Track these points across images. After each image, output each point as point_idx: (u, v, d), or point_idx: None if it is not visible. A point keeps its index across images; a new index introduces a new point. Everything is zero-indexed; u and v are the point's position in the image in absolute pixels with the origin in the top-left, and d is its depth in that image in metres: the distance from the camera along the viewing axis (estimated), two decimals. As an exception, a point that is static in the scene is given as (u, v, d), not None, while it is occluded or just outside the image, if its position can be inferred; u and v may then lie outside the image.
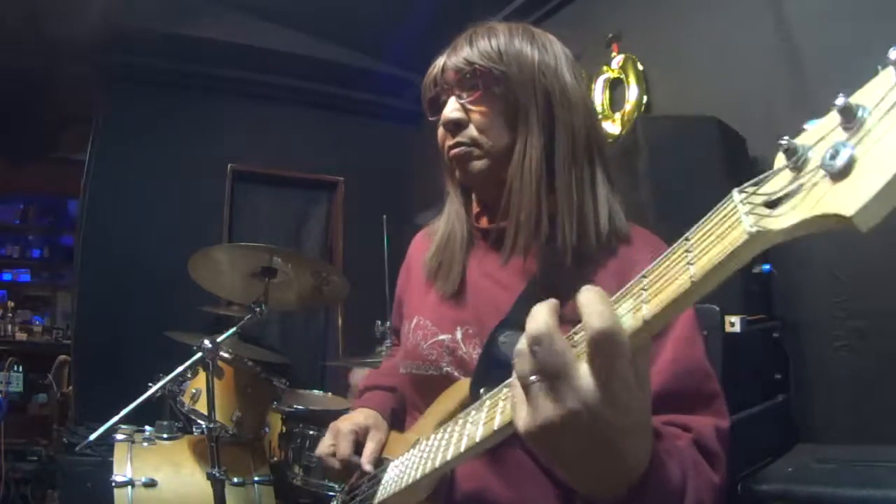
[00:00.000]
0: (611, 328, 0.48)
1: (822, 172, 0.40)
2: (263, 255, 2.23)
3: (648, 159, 1.95)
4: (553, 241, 0.92)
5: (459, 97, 0.97)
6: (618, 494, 0.57)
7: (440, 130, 1.00)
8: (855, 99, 0.40)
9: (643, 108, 2.62)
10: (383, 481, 0.91)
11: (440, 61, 1.00)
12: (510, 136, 0.95)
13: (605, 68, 2.80)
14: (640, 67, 2.65)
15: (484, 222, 1.05)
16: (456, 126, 0.96)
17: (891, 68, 0.38)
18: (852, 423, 1.82)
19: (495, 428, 0.61)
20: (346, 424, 1.05)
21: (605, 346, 0.48)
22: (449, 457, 0.71)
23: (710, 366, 0.88)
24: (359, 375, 3.07)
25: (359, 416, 1.07)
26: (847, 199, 0.37)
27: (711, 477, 0.75)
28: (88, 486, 2.53)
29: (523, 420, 0.52)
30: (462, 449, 0.68)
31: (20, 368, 3.98)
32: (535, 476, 0.88)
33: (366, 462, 0.99)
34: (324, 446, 1.04)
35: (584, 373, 0.50)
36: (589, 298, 0.50)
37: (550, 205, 0.93)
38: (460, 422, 0.72)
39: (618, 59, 2.73)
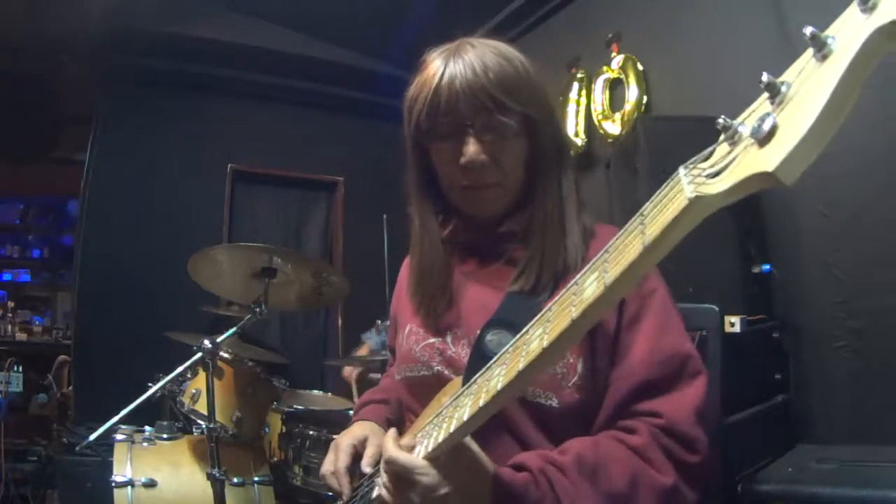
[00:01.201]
0: (393, 458, 0.79)
1: (751, 140, 0.45)
2: (263, 255, 2.24)
3: (648, 159, 1.94)
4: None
5: (480, 134, 0.94)
6: None
7: (452, 166, 0.97)
8: (782, 77, 0.46)
9: (643, 108, 2.62)
10: None
11: (444, 83, 0.93)
12: (526, 169, 0.99)
13: (605, 68, 2.80)
14: (640, 67, 2.65)
15: (468, 234, 1.06)
16: (482, 166, 0.95)
17: (810, 48, 0.44)
18: (852, 423, 1.82)
19: (480, 405, 0.67)
20: (345, 440, 1.08)
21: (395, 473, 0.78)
22: (440, 439, 0.74)
23: (688, 345, 0.91)
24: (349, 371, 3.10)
25: (356, 429, 1.10)
26: (769, 158, 0.42)
27: (657, 482, 0.81)
28: (88, 486, 2.53)
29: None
30: (452, 429, 0.71)
31: (20, 368, 3.97)
32: None
33: (365, 465, 1.02)
34: (326, 464, 1.06)
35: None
36: (388, 437, 0.84)
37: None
38: (450, 409, 0.76)
39: (618, 59, 2.73)
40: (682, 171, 0.51)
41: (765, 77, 0.46)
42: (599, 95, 2.83)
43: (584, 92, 2.92)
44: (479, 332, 0.94)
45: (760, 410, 1.71)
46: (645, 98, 2.62)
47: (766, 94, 0.47)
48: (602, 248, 0.96)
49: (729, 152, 0.48)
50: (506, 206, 1.01)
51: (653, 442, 0.83)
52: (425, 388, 1.01)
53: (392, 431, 0.86)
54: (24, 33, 3.46)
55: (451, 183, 1.00)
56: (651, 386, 0.86)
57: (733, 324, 1.62)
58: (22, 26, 3.41)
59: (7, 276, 5.84)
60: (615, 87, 2.79)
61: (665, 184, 0.52)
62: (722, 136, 0.49)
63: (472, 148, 0.94)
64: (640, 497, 0.79)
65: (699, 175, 0.49)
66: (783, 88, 0.45)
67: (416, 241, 1.07)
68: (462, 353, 0.98)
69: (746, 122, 0.47)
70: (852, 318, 1.84)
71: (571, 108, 2.94)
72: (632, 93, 2.64)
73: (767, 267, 1.89)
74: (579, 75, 2.94)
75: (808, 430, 1.88)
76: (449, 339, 1.00)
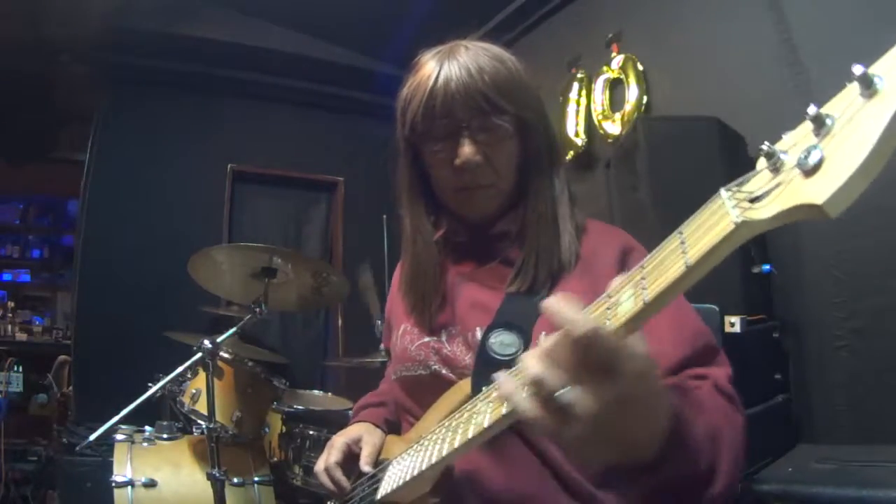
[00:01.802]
0: (598, 333, 0.52)
1: (797, 170, 0.46)
2: (263, 255, 2.24)
3: (648, 159, 1.95)
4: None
5: (474, 135, 0.95)
6: (642, 459, 0.61)
7: (447, 167, 0.97)
8: (825, 109, 0.47)
9: (643, 108, 2.62)
10: (385, 478, 0.93)
11: (439, 85, 0.94)
12: (519, 170, 1.00)
13: (605, 68, 2.80)
14: (640, 67, 2.65)
15: (461, 233, 1.07)
16: (476, 167, 0.96)
17: (855, 83, 0.44)
18: (852, 423, 1.82)
19: (504, 412, 0.64)
20: (339, 439, 1.08)
21: (593, 346, 0.52)
22: (457, 444, 0.72)
23: (703, 324, 0.93)
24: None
25: (352, 429, 1.11)
26: (818, 190, 0.44)
27: (738, 418, 0.80)
28: (88, 486, 2.53)
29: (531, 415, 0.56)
30: (470, 435, 0.70)
31: (20, 368, 3.98)
32: (530, 457, 0.90)
33: (364, 464, 1.01)
34: (319, 462, 1.06)
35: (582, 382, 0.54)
36: (562, 308, 0.54)
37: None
38: (465, 413, 0.74)
39: (618, 59, 2.73)
40: (724, 193, 0.51)
41: (811, 109, 0.46)
42: (599, 95, 2.83)
43: (584, 92, 2.92)
44: (480, 335, 0.94)
45: (760, 410, 1.71)
46: (645, 98, 2.62)
47: (809, 125, 0.47)
48: (595, 244, 0.99)
49: (772, 179, 0.49)
50: (499, 206, 1.02)
51: (716, 391, 0.82)
52: (421, 388, 1.01)
53: (568, 303, 0.55)
54: (24, 33, 3.46)
55: (444, 184, 1.01)
56: (687, 360, 0.86)
57: (733, 324, 1.62)
58: (22, 26, 3.41)
59: (7, 276, 5.84)
60: (615, 87, 2.79)
61: (706, 204, 0.53)
62: (763, 162, 0.50)
63: (466, 149, 0.94)
64: (725, 428, 0.75)
65: (743, 199, 0.50)
66: (828, 121, 0.46)
67: (408, 241, 1.08)
68: (458, 351, 0.98)
69: (790, 152, 0.48)
70: (852, 318, 1.84)
71: (571, 108, 2.94)
72: (632, 93, 2.64)
73: (767, 267, 1.89)
74: (579, 75, 2.94)
75: (809, 430, 1.88)
76: (444, 337, 1.01)
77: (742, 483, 1.33)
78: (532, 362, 0.56)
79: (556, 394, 0.54)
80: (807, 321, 1.96)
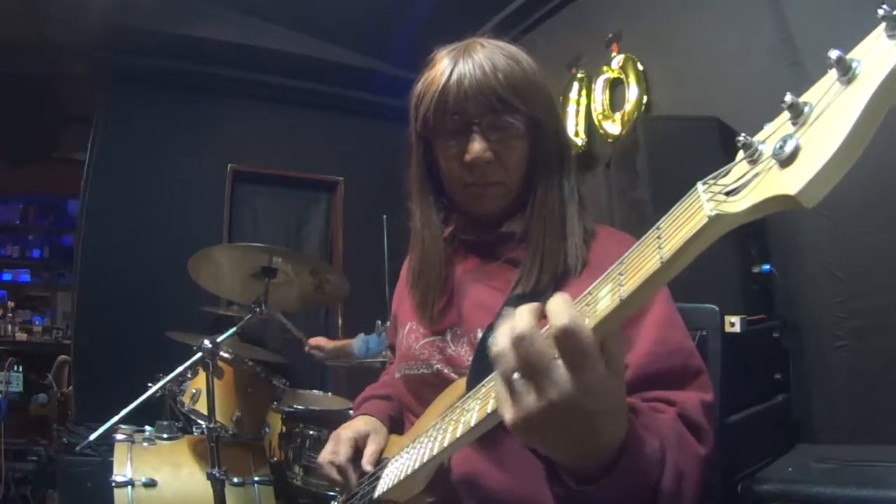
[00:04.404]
0: (571, 325, 0.53)
1: (773, 161, 0.45)
2: (263, 255, 2.23)
3: (648, 159, 1.95)
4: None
5: (486, 132, 0.95)
6: (597, 466, 0.62)
7: (457, 163, 0.98)
8: (803, 97, 0.46)
9: (643, 108, 2.62)
10: (383, 477, 0.93)
11: (452, 82, 0.95)
12: (528, 170, 1.00)
13: (605, 68, 2.80)
14: (640, 67, 2.65)
15: (468, 232, 1.07)
16: (486, 164, 0.96)
17: (833, 70, 0.43)
18: (852, 423, 1.82)
19: (489, 411, 0.65)
20: (346, 432, 1.07)
21: (569, 341, 0.53)
22: (446, 443, 0.73)
23: (691, 343, 0.91)
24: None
25: (359, 423, 1.10)
26: (792, 181, 0.42)
27: (697, 450, 0.78)
28: (88, 486, 2.53)
29: (509, 414, 0.57)
30: (458, 434, 0.70)
31: (20, 368, 3.97)
32: (528, 459, 0.89)
33: (366, 463, 1.01)
34: (325, 453, 1.06)
35: (559, 367, 0.54)
36: (554, 302, 0.55)
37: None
38: (456, 412, 0.74)
39: (618, 59, 2.73)
40: (700, 186, 0.50)
41: (788, 97, 0.45)
42: (599, 95, 2.83)
43: (584, 92, 2.92)
44: (480, 334, 0.94)
45: (760, 410, 1.71)
46: (645, 98, 2.62)
47: (787, 115, 0.46)
48: (603, 250, 0.98)
49: (749, 171, 0.48)
50: (507, 205, 1.02)
51: (679, 419, 0.80)
52: (424, 387, 1.01)
53: (563, 297, 0.57)
54: (25, 33, 3.47)
55: (454, 180, 1.01)
56: (657, 377, 0.84)
57: (733, 324, 1.62)
58: (22, 26, 3.41)
59: (7, 276, 5.84)
60: (615, 87, 2.79)
61: (683, 199, 0.51)
62: (741, 154, 0.49)
63: (477, 146, 0.95)
64: (685, 449, 0.75)
65: (718, 192, 0.48)
66: (805, 109, 0.45)
67: (416, 234, 1.08)
68: (462, 351, 0.98)
69: (767, 142, 0.47)
70: (852, 318, 1.84)
71: (571, 108, 2.94)
72: (632, 93, 2.64)
73: (767, 267, 1.89)
74: (579, 75, 2.94)
75: (808, 430, 1.88)
76: (449, 337, 1.01)
77: (742, 483, 1.33)
78: (502, 339, 0.57)
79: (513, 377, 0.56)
80: (807, 321, 1.96)
